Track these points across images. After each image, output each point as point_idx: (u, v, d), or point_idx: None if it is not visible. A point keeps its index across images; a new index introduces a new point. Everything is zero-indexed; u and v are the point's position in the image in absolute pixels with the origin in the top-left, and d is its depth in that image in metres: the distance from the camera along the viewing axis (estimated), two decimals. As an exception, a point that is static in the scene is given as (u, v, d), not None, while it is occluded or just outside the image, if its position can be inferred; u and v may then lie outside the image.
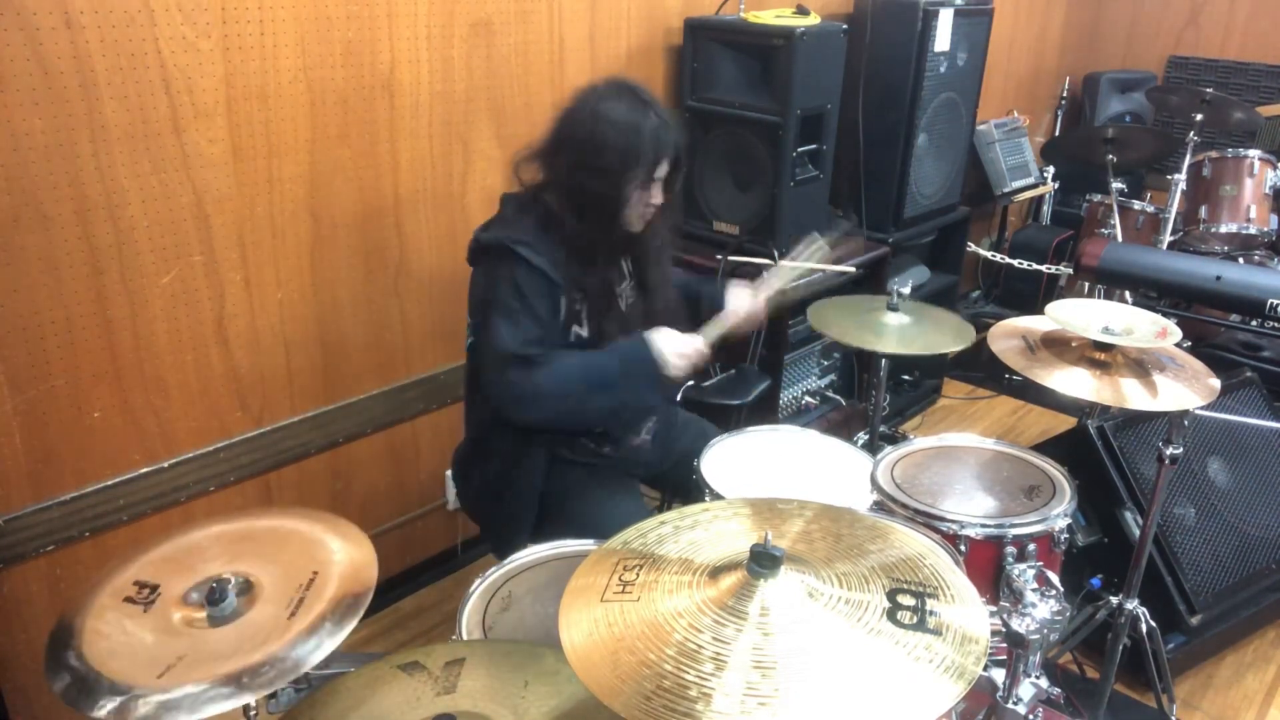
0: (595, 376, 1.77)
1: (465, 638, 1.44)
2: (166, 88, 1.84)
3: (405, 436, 2.53)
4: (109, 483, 1.96)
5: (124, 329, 1.91)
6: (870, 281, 3.12)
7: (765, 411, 2.92)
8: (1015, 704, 1.41)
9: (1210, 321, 3.31)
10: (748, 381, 2.60)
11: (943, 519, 1.79)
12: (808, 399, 3.19)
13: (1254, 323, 2.99)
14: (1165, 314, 2.13)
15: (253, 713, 1.21)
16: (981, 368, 4.02)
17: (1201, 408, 1.72)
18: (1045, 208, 4.75)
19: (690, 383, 2.41)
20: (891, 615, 0.99)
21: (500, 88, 2.43)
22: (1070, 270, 4.02)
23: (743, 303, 2.00)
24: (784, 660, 0.92)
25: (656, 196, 1.83)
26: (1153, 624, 2.12)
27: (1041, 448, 2.27)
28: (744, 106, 2.73)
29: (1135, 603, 2.05)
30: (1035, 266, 4.17)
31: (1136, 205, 3.71)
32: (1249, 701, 2.38)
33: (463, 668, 1.17)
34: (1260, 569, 2.46)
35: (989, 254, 4.31)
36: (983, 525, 1.78)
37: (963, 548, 1.76)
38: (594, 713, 1.09)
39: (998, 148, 4.22)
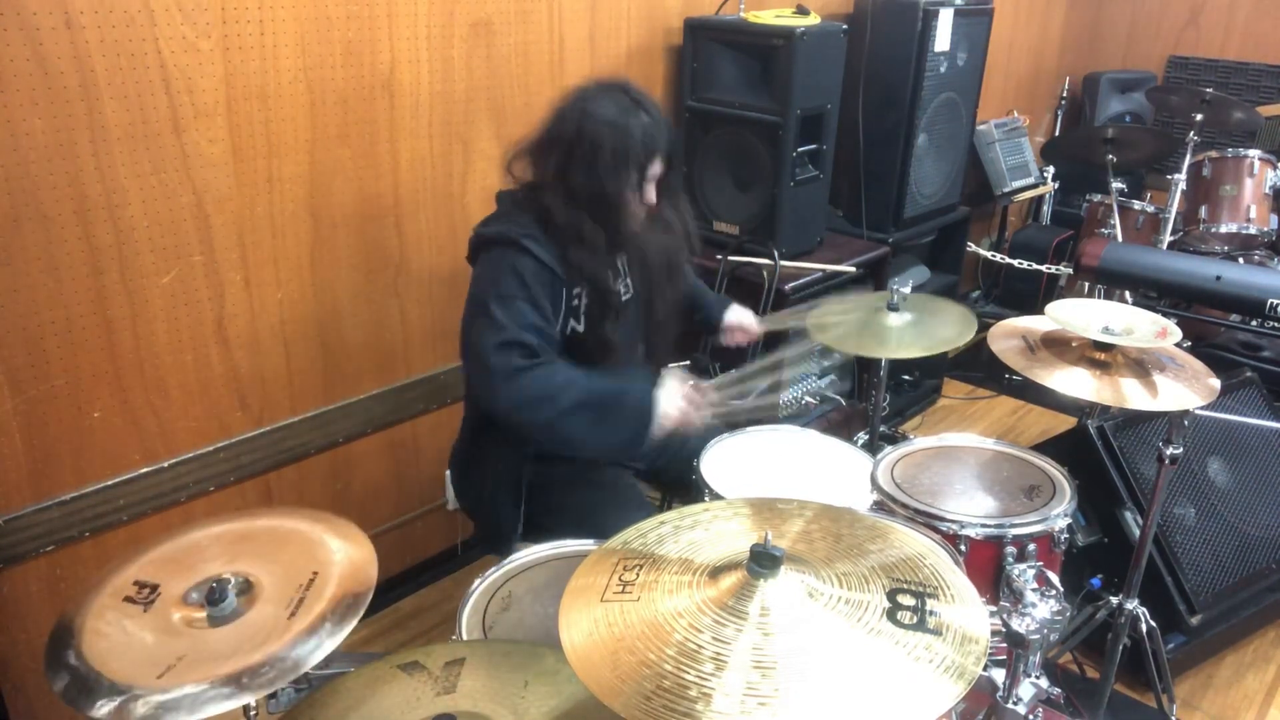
0: (587, 396, 1.70)
1: (465, 638, 1.44)
2: (166, 88, 1.84)
3: (405, 436, 2.53)
4: (109, 483, 1.96)
5: (124, 329, 1.91)
6: (870, 282, 3.12)
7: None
8: (1015, 704, 1.41)
9: (1210, 321, 3.31)
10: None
11: (943, 519, 1.79)
12: (808, 399, 3.19)
13: (1254, 323, 2.98)
14: (1165, 314, 2.12)
15: (253, 713, 1.21)
16: (981, 368, 4.02)
17: (1201, 408, 1.72)
18: (1045, 208, 4.75)
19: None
20: (891, 615, 0.99)
21: (500, 88, 2.43)
22: (1070, 270, 4.03)
23: (740, 319, 1.99)
24: (784, 660, 0.92)
25: (650, 195, 1.84)
26: (1153, 624, 2.11)
27: (1041, 448, 2.27)
28: (744, 106, 2.73)
29: (1135, 603, 2.05)
30: (1035, 266, 4.17)
31: (1136, 205, 3.71)
32: (1249, 701, 2.38)
33: (463, 668, 1.17)
34: (1260, 569, 2.46)
35: (989, 254, 4.31)
36: (983, 525, 1.78)
37: (963, 548, 1.76)
38: (594, 713, 1.09)
39: (998, 148, 4.22)
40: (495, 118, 2.45)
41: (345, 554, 1.27)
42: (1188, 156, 3.43)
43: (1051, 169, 4.50)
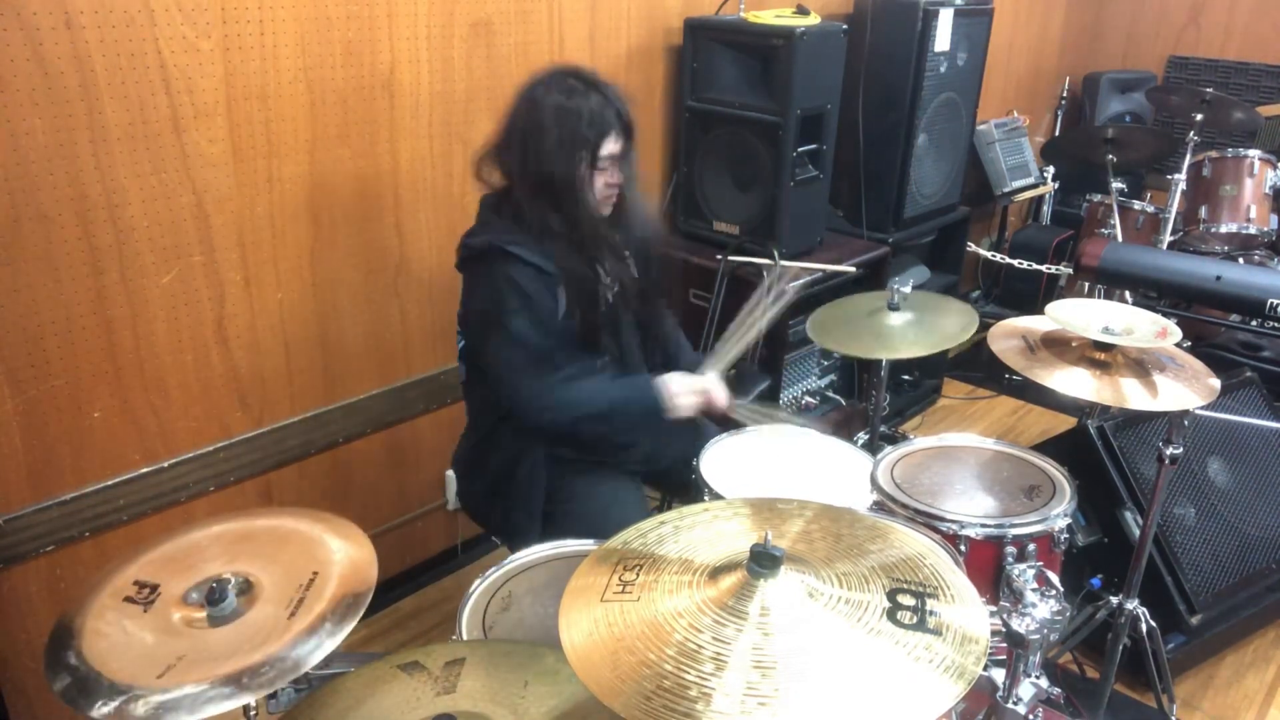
0: (606, 404, 1.85)
1: (465, 638, 1.44)
2: (166, 88, 1.84)
3: (405, 436, 2.53)
4: (109, 483, 1.95)
5: (124, 329, 1.91)
6: (870, 282, 3.12)
7: (765, 411, 2.92)
8: (1015, 704, 1.41)
9: (1210, 321, 3.31)
10: (747, 381, 2.60)
11: (943, 519, 1.78)
12: (808, 399, 3.19)
13: (1254, 323, 2.98)
14: (1165, 314, 2.12)
15: (253, 713, 1.21)
16: (981, 368, 4.02)
17: (1201, 408, 1.72)
18: (1045, 208, 4.75)
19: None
20: (891, 615, 0.99)
21: (500, 88, 2.43)
22: (1070, 270, 4.02)
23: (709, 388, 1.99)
24: (784, 660, 0.92)
25: (614, 176, 1.84)
26: (1153, 624, 2.11)
27: (1041, 448, 2.27)
28: (744, 106, 2.73)
29: (1135, 603, 2.05)
30: (1035, 266, 4.17)
31: (1136, 205, 3.71)
32: (1249, 701, 2.38)
33: (463, 668, 1.17)
34: (1260, 569, 2.46)
35: (989, 254, 4.31)
36: (983, 525, 1.78)
37: (963, 548, 1.76)
38: (594, 713, 1.09)
39: (998, 148, 4.22)
40: (495, 118, 2.41)
41: (345, 554, 1.27)
42: (1188, 156, 3.43)
43: (1051, 169, 4.50)
